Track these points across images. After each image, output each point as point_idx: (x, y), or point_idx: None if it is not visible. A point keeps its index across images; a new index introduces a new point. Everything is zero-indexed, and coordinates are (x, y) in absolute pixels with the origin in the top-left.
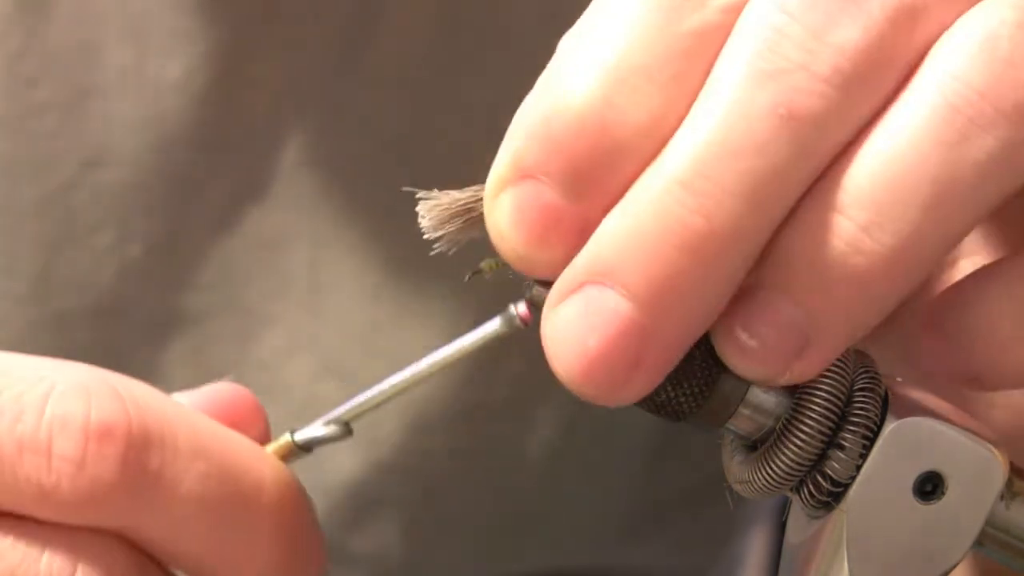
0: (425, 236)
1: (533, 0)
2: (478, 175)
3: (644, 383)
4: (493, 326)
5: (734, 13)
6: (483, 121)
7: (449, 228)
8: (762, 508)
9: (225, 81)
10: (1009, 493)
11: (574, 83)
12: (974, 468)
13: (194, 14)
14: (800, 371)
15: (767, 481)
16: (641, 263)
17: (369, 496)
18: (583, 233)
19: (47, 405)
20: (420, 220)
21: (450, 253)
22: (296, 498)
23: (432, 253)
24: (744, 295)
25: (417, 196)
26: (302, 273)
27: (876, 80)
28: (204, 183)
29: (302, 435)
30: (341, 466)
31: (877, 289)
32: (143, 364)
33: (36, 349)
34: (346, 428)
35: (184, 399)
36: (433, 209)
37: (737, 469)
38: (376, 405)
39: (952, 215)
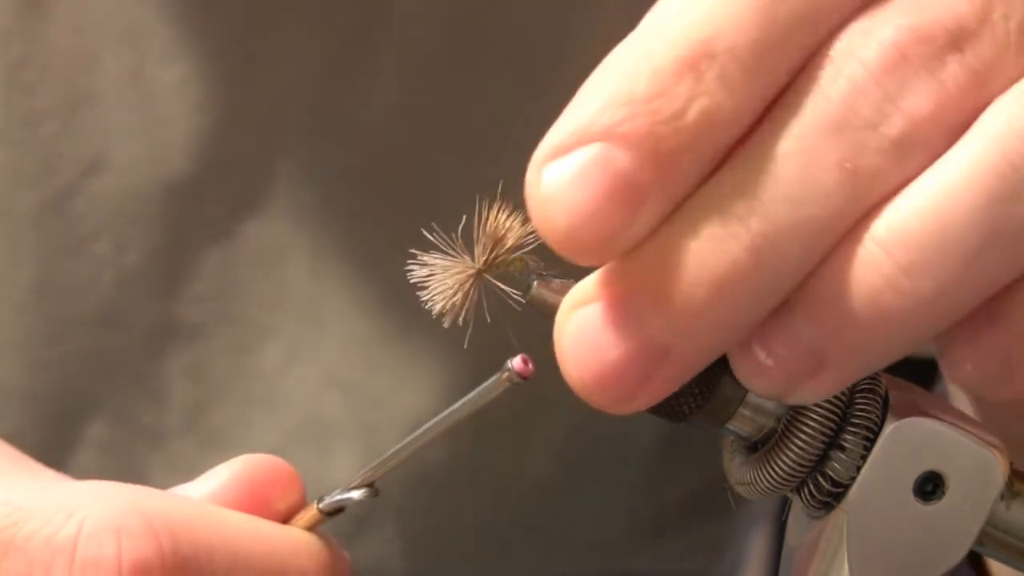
0: (436, 316)
1: (540, 15)
2: (479, 187)
3: (651, 397)
4: (495, 384)
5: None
6: (486, 134)
7: (455, 301)
8: (762, 509)
9: (223, 89)
10: (1009, 493)
11: (661, 54)
12: (974, 468)
13: (191, 22)
14: (809, 392)
15: (768, 482)
16: (672, 297)
17: (370, 505)
18: (644, 212)
19: (77, 548)
20: (422, 296)
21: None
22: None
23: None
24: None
25: (410, 278)
26: (302, 284)
27: (936, 140)
28: (202, 192)
29: (328, 503)
30: (341, 476)
31: (904, 330)
32: (142, 376)
33: (34, 358)
34: (372, 489)
35: (214, 482)
36: (430, 284)
37: (738, 470)
38: (392, 467)
39: (991, 268)
